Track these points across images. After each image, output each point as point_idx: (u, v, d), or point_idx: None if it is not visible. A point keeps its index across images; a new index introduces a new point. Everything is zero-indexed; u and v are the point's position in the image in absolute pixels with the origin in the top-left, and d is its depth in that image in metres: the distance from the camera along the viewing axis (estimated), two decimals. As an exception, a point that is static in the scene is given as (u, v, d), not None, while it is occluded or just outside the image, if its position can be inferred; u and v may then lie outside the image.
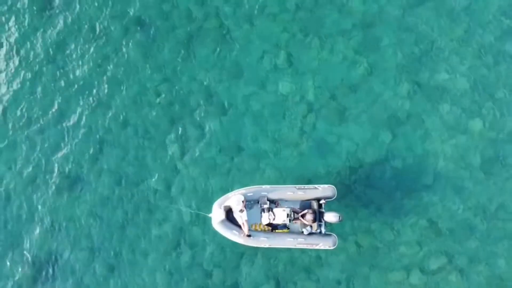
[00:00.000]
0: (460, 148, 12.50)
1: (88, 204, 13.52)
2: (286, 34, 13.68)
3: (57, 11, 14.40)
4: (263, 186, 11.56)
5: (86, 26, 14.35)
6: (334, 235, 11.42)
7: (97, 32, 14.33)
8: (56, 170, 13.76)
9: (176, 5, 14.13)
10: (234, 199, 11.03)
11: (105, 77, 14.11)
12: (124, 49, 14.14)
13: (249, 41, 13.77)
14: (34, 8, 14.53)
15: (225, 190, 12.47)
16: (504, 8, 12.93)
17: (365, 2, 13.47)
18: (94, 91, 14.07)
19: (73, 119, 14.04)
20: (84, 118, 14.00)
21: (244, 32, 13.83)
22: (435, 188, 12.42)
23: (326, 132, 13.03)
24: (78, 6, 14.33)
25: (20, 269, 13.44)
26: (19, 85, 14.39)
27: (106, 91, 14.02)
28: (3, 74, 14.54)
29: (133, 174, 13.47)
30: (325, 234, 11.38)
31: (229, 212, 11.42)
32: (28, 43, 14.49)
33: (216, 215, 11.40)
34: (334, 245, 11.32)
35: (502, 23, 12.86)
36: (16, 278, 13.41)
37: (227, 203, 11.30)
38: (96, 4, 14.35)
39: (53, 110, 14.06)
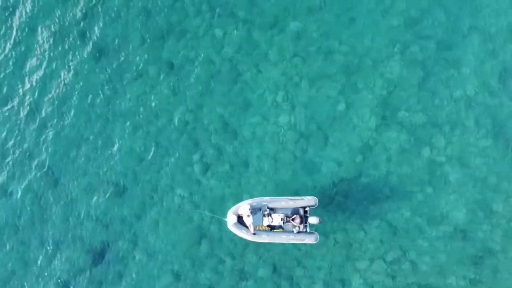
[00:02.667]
0: (414, 168, 16.45)
1: (131, 207, 17.71)
2: (284, 77, 17.68)
3: (106, 57, 18.49)
4: (264, 198, 15.69)
5: (129, 68, 18.45)
6: (317, 233, 15.48)
7: (137, 72, 18.42)
8: (106, 180, 17.96)
9: (198, 53, 18.16)
10: (243, 207, 15.22)
11: (142, 108, 18.23)
12: (158, 87, 18.23)
13: (255, 82, 17.77)
14: (88, 54, 18.65)
15: (236, 199, 16.60)
16: (452, 60, 16.80)
17: (346, 54, 17.40)
18: (135, 119, 18.20)
19: (118, 140, 18.18)
20: (126, 140, 18.14)
21: (251, 74, 17.83)
22: (394, 198, 16.41)
23: (313, 154, 17.04)
24: (123, 52, 18.42)
25: (79, 256, 17.70)
26: (76, 113, 18.57)
27: (144, 119, 18.14)
28: (64, 103, 18.70)
29: (166, 185, 17.61)
30: (310, 233, 15.45)
31: (239, 217, 15.58)
32: (83, 80, 18.65)
33: (230, 219, 15.57)
34: (316, 241, 15.39)
35: (451, 73, 16.73)
36: (77, 262, 17.68)
37: (238, 211, 15.48)
38: (137, 50, 18.41)
39: (103, 133, 18.23)
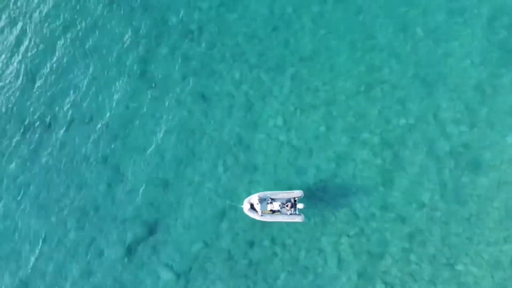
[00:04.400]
0: (371, 173, 23.73)
1: (173, 196, 25.23)
2: (282, 107, 25.03)
3: (157, 88, 25.96)
4: (268, 192, 23.17)
5: (172, 96, 25.90)
6: (303, 214, 22.93)
7: (178, 100, 25.85)
8: (156, 176, 25.48)
9: (223, 88, 25.55)
10: (254, 198, 22.74)
11: (182, 126, 25.65)
12: (193, 111, 25.66)
13: (262, 110, 25.14)
14: (144, 86, 26.15)
15: (248, 192, 24.04)
16: (401, 98, 24.05)
17: (327, 91, 24.70)
18: (176, 134, 25.65)
19: (165, 149, 25.64)
20: (170, 148, 25.61)
21: (259, 105, 25.20)
22: (357, 194, 23.70)
23: (301, 162, 24.39)
24: (168, 85, 25.89)
25: (138, 228, 25.26)
26: (133, 128, 26.07)
27: (183, 135, 25.59)
28: (126, 120, 26.20)
29: (198, 181, 25.09)
30: (298, 214, 22.92)
31: (251, 204, 23.08)
32: (139, 104, 26.13)
33: (245, 206, 23.08)
34: (302, 220, 22.85)
35: (400, 107, 23.98)
36: (136, 233, 25.23)
37: (250, 200, 23.01)
38: (179, 84, 25.87)
39: (153, 144, 25.70)
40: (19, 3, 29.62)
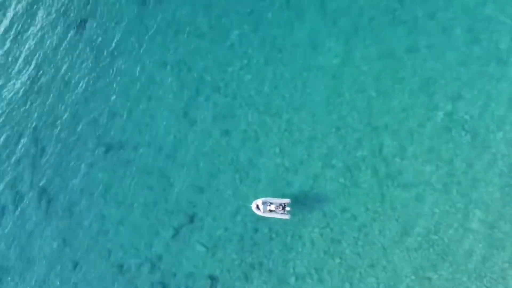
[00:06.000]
0: (337, 186, 36.12)
1: (207, 201, 37.86)
2: (279, 140, 37.34)
3: (196, 124, 38.50)
4: (268, 198, 35.69)
5: (205, 137, 38.42)
6: (289, 214, 35.48)
7: (208, 134, 38.36)
8: (193, 184, 38.11)
9: (239, 125, 37.93)
10: (259, 201, 35.35)
11: (210, 152, 38.13)
12: (219, 141, 38.12)
13: (265, 141, 37.48)
14: (185, 123, 38.77)
15: (255, 196, 36.55)
16: (356, 139, 36.38)
17: (309, 131, 36.99)
18: (207, 156, 38.15)
19: (197, 166, 38.19)
20: (203, 166, 38.14)
21: (264, 138, 37.56)
22: (326, 201, 36.12)
23: (290, 178, 36.72)
24: (196, 130, 38.45)
25: (181, 217, 37.96)
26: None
27: (212, 158, 38.10)
28: (174, 150, 38.83)
29: (222, 190, 37.63)
30: (286, 213, 35.45)
31: (257, 205, 35.65)
32: (178, 134, 38.75)
33: (253, 206, 35.62)
34: (289, 217, 35.42)
35: (355, 143, 36.27)
36: (179, 220, 37.94)
37: (256, 202, 35.60)
38: (208, 122, 38.39)
39: (191, 163, 38.35)
40: (92, 58, 42.16)
